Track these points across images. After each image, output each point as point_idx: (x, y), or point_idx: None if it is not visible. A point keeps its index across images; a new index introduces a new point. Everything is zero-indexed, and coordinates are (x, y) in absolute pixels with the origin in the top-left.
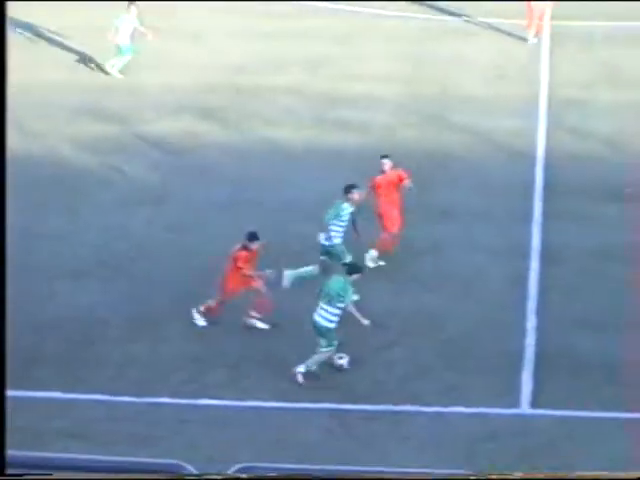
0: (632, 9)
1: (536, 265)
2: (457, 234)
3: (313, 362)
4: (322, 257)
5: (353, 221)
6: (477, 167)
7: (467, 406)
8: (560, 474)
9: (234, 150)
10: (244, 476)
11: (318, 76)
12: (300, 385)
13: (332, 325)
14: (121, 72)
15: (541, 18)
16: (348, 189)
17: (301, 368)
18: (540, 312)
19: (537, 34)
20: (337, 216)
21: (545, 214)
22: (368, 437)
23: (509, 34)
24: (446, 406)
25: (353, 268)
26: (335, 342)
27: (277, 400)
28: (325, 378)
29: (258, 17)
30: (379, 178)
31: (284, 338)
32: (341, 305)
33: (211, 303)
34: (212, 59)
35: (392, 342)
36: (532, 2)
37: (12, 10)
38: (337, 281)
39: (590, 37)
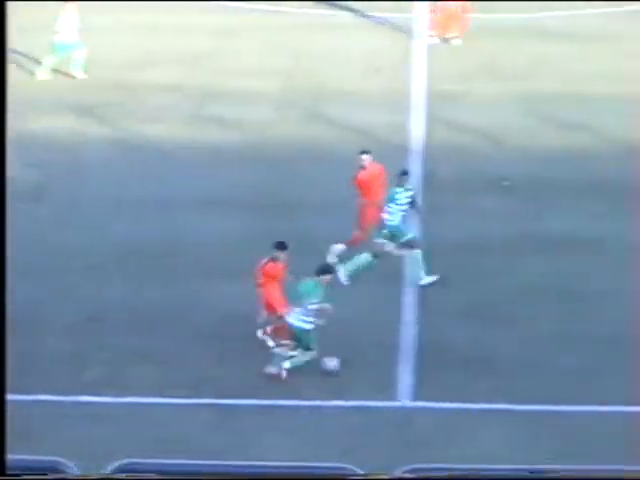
0: (509, 2)
1: None
2: (334, 228)
3: (292, 363)
4: (379, 240)
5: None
6: (354, 161)
7: (347, 400)
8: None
9: (113, 148)
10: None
11: (197, 72)
12: (182, 381)
13: (307, 326)
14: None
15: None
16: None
17: (272, 369)
18: (419, 305)
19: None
20: (391, 200)
21: (423, 207)
22: (249, 431)
23: (391, 28)
24: (326, 400)
25: (323, 268)
26: (312, 346)
27: (157, 396)
28: (206, 372)
29: (140, 12)
30: (362, 174)
31: (162, 334)
32: (313, 307)
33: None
34: (92, 55)
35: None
36: (440, 2)
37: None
38: (305, 283)
39: (469, 29)
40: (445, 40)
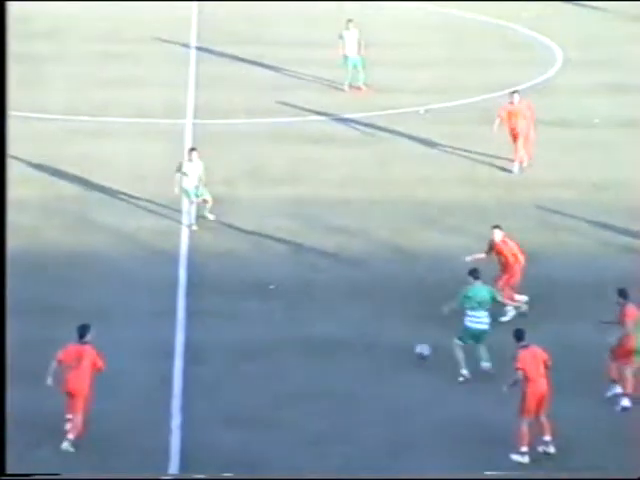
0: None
1: (180, 363)
2: (103, 335)
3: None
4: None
5: None
6: (121, 267)
7: None
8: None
9: None
10: None
11: None
12: None
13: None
14: None
15: None
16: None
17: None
18: (185, 410)
19: None
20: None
21: (189, 312)
22: None
23: (146, 134)
24: None
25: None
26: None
27: None
28: None
29: None
30: None
31: None
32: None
33: None
34: None
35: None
36: None
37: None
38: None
39: (232, 134)
40: None
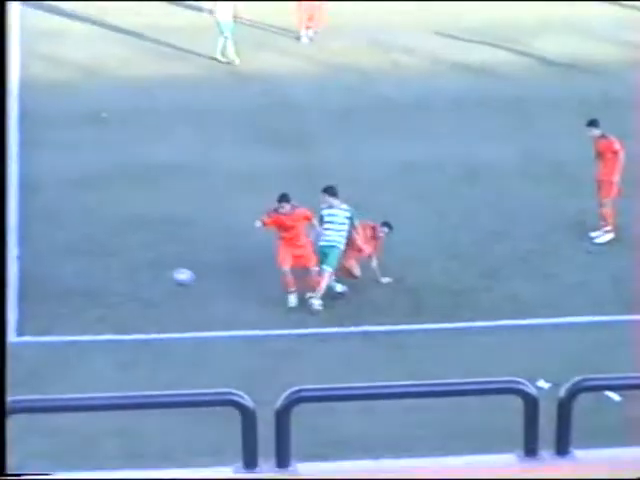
0: None
1: (15, 195)
2: None
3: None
4: None
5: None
6: None
7: None
8: None
9: None
10: None
11: None
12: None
13: None
14: None
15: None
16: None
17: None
18: (22, 241)
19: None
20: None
21: (22, 144)
22: None
23: None
24: None
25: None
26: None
27: None
28: None
29: None
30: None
31: None
32: None
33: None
34: None
35: None
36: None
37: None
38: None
39: None
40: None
